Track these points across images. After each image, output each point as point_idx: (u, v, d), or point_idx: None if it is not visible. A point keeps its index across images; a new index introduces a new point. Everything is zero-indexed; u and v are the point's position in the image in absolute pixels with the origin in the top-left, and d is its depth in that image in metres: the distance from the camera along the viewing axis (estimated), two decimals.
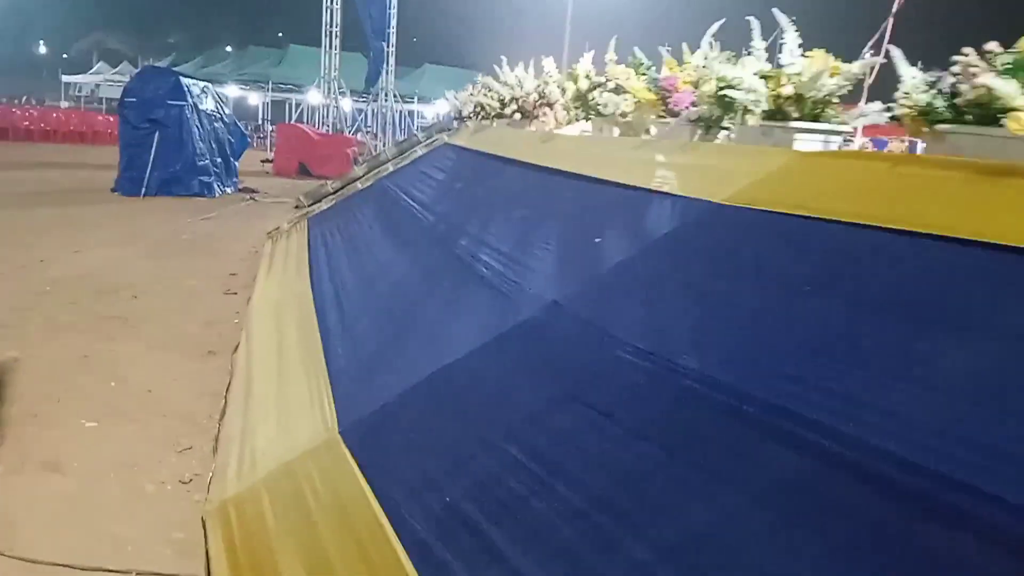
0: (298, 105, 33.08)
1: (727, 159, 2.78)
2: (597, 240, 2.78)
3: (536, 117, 5.92)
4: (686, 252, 2.34)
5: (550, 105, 5.67)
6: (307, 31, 31.40)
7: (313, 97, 26.20)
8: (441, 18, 43.47)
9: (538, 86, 5.95)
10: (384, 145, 26.05)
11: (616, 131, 4.62)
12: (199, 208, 10.49)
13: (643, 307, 2.20)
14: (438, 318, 3.01)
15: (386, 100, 24.31)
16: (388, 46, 21.77)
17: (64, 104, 34.76)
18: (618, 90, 4.52)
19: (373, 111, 27.86)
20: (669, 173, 2.90)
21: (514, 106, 6.43)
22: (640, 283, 2.32)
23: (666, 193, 2.73)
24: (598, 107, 4.69)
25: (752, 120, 2.98)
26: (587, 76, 4.84)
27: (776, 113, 3.00)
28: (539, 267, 2.85)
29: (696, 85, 3.61)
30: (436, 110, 36.91)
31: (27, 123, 22.82)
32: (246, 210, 10.96)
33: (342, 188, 11.15)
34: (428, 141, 8.10)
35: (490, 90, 7.34)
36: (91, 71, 38.89)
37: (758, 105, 2.96)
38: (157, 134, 11.34)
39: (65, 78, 39.82)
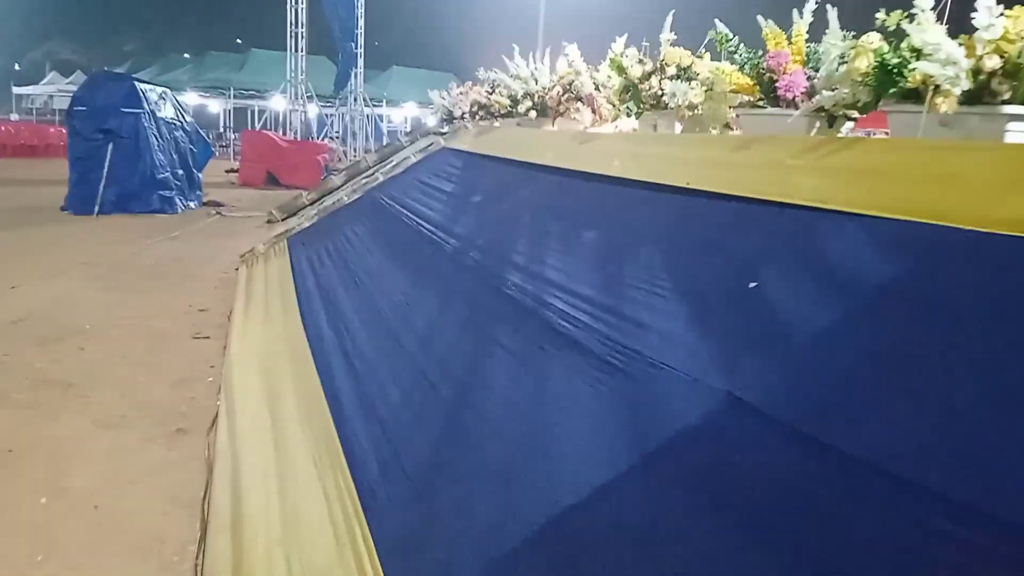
0: (261, 112, 31.87)
1: (947, 161, 1.89)
2: (753, 285, 1.89)
3: (561, 114, 5.03)
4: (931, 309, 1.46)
5: (581, 99, 4.78)
6: (267, 36, 30.24)
7: (277, 103, 25.05)
8: (405, 19, 42.48)
9: (561, 78, 5.06)
10: (354, 151, 25.00)
11: (677, 127, 3.75)
12: (160, 226, 9.43)
13: (901, 413, 1.31)
14: (517, 401, 2.09)
15: (355, 104, 23.25)
16: (357, 47, 20.74)
17: (14, 117, 33.10)
18: (683, 76, 3.68)
19: (340, 116, 26.82)
20: (841, 184, 2.02)
21: (528, 103, 5.54)
22: (877, 365, 1.43)
23: (855, 215, 1.84)
24: (657, 98, 3.81)
25: (947, 104, 2.11)
26: (640, 61, 3.95)
27: (975, 93, 2.14)
28: (663, 325, 1.95)
29: (805, 63, 2.78)
30: (404, 113, 35.98)
31: None
32: (213, 227, 9.92)
33: (319, 199, 10.18)
34: (423, 146, 7.16)
35: (496, 86, 6.43)
36: (43, 82, 37.22)
37: (956, 84, 2.10)
38: (111, 146, 10.25)
39: (16, 90, 38.07)
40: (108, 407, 3.39)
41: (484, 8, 41.22)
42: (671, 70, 3.80)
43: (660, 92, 3.79)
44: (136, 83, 10.87)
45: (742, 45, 3.27)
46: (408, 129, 39.11)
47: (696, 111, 3.53)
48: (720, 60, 3.35)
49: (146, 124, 10.59)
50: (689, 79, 3.64)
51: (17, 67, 50.65)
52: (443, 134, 9.43)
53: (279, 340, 4.02)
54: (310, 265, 5.30)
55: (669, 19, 3.90)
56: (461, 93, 9.12)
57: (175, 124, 11.67)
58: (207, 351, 4.34)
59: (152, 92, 11.20)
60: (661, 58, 3.90)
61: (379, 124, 29.59)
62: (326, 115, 26.28)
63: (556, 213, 3.59)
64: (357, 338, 3.59)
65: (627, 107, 4.13)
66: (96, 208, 9.94)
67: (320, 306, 4.32)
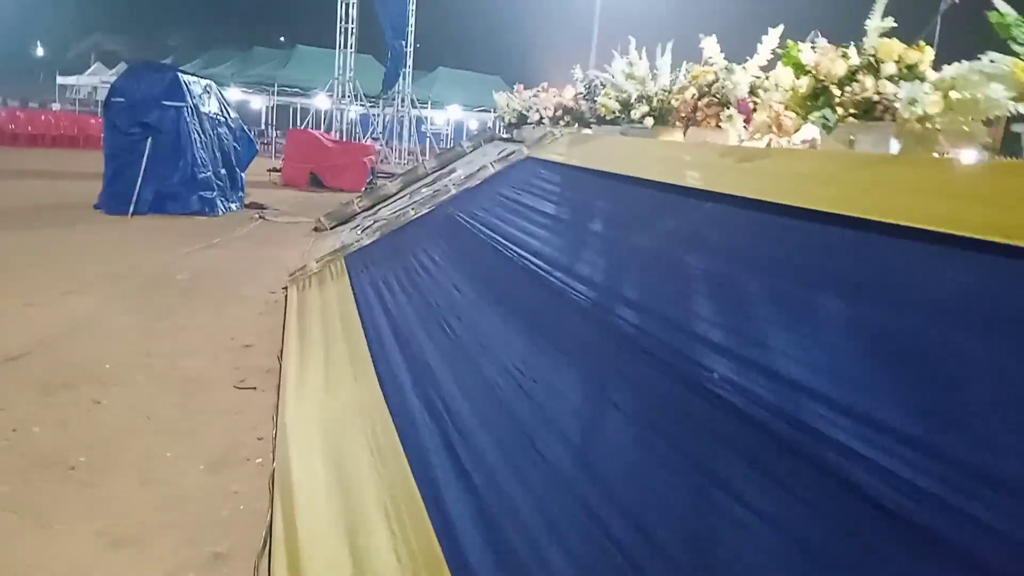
0: (304, 110, 31.26)
1: None
2: None
3: (696, 123, 4.03)
4: None
5: (726, 104, 3.78)
6: (313, 33, 29.60)
7: (321, 101, 24.33)
8: (450, 21, 41.78)
9: (695, 77, 4.06)
10: (399, 154, 24.19)
11: (894, 145, 2.74)
12: (199, 230, 8.59)
13: None
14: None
15: (403, 105, 22.44)
16: (407, 45, 19.91)
17: (56, 107, 32.85)
18: (907, 76, 2.71)
19: (385, 116, 26.05)
20: None
21: (643, 107, 4.55)
22: None
23: None
24: (865, 104, 2.82)
25: None
26: (844, 56, 2.95)
27: None
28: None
29: None
30: (447, 116, 35.15)
31: (12, 126, 20.90)
32: (256, 232, 9.06)
33: (372, 208, 9.29)
34: (499, 154, 6.20)
35: (596, 87, 5.46)
36: (87, 73, 37.01)
37: None
38: (150, 141, 9.44)
39: (60, 80, 37.91)
40: (121, 507, 2.45)
41: (533, 11, 40.41)
42: (888, 67, 2.82)
43: (872, 98, 2.80)
44: (180, 75, 10.06)
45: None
46: (451, 133, 38.42)
47: (930, 124, 2.54)
48: None
49: (188, 119, 9.78)
50: (918, 80, 2.65)
51: (64, 58, 50.87)
52: (512, 140, 8.48)
53: (349, 408, 3.07)
54: (378, 298, 4.36)
55: (880, 3, 2.92)
56: (537, 95, 8.16)
57: (219, 120, 10.86)
58: (253, 410, 3.40)
59: (196, 85, 10.39)
60: (871, 53, 2.92)
61: (421, 126, 28.73)
62: (365, 115, 25.51)
63: (709, 250, 2.63)
64: (459, 417, 2.63)
65: (822, 116, 3.11)
66: (131, 208, 9.12)
67: (401, 362, 3.36)
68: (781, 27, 3.75)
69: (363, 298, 4.52)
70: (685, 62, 4.60)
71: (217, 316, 5.11)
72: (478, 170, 5.94)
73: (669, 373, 2.07)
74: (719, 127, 3.83)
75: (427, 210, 5.77)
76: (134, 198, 9.19)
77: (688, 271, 2.61)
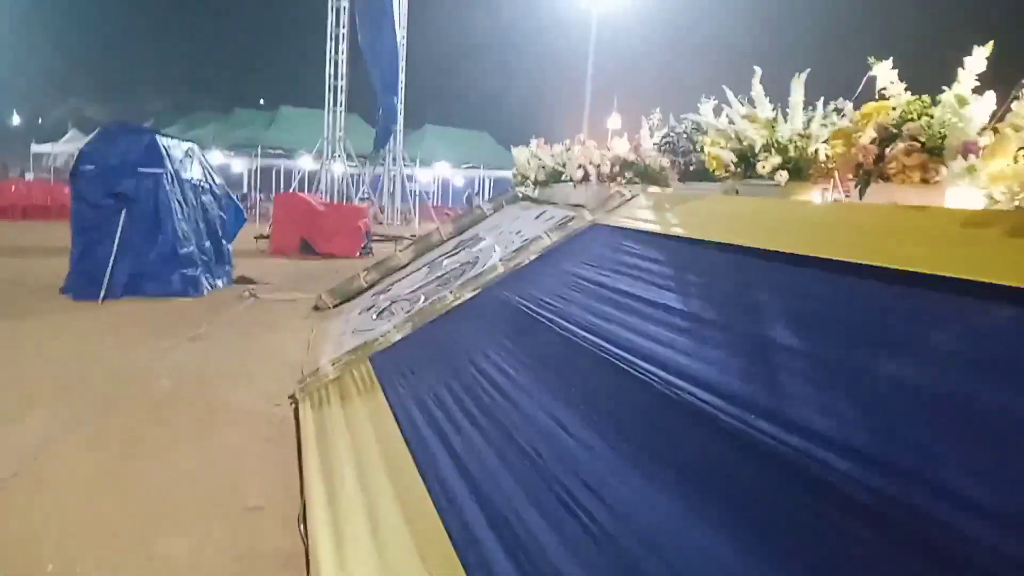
0: (288, 171, 30.30)
1: None
2: None
3: (884, 178, 2.90)
4: None
5: (933, 152, 2.66)
6: (296, 94, 28.81)
7: (305, 162, 23.33)
8: (436, 77, 41.34)
9: (864, 117, 2.96)
10: (391, 216, 23.12)
11: None
12: (182, 316, 7.36)
13: None
14: None
15: (394, 164, 21.46)
16: (399, 101, 18.99)
17: (30, 176, 31.65)
18: None
19: (371, 176, 25.10)
20: None
21: (775, 159, 3.43)
22: None
23: None
24: None
25: None
26: None
27: None
28: None
29: None
30: (434, 173, 34.30)
31: None
32: (247, 315, 7.83)
33: (382, 282, 8.10)
34: (553, 222, 5.05)
35: (697, 133, 4.37)
36: (63, 139, 35.88)
37: None
38: (124, 213, 8.26)
39: (35, 147, 36.72)
40: None
41: (520, 66, 40.06)
42: None
43: None
44: (158, 137, 8.91)
45: None
46: (438, 190, 37.53)
47: None
48: None
49: (168, 187, 8.60)
50: None
51: (40, 124, 49.85)
52: (540, 201, 7.37)
53: None
54: (434, 428, 3.13)
55: None
56: (569, 148, 7.09)
57: (203, 187, 9.70)
58: None
59: (176, 148, 9.25)
60: None
61: (406, 185, 27.75)
62: (354, 175, 24.56)
63: (927, 359, 1.54)
64: None
65: None
66: (102, 292, 7.87)
67: (492, 540, 2.15)
68: (990, 44, 2.69)
69: (410, 426, 3.29)
70: (822, 99, 3.51)
71: (206, 446, 3.86)
72: (530, 241, 4.78)
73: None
74: (924, 181, 2.71)
75: (470, 294, 4.58)
76: (105, 280, 7.94)
77: (895, 391, 1.52)
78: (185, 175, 9.16)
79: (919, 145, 2.68)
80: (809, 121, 3.44)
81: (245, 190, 32.43)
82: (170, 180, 8.67)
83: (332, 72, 17.43)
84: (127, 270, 8.19)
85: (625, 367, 2.80)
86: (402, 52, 19.42)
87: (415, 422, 3.33)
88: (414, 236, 18.27)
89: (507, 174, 32.45)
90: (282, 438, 3.96)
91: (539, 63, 33.34)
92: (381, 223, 21.32)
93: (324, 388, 4.32)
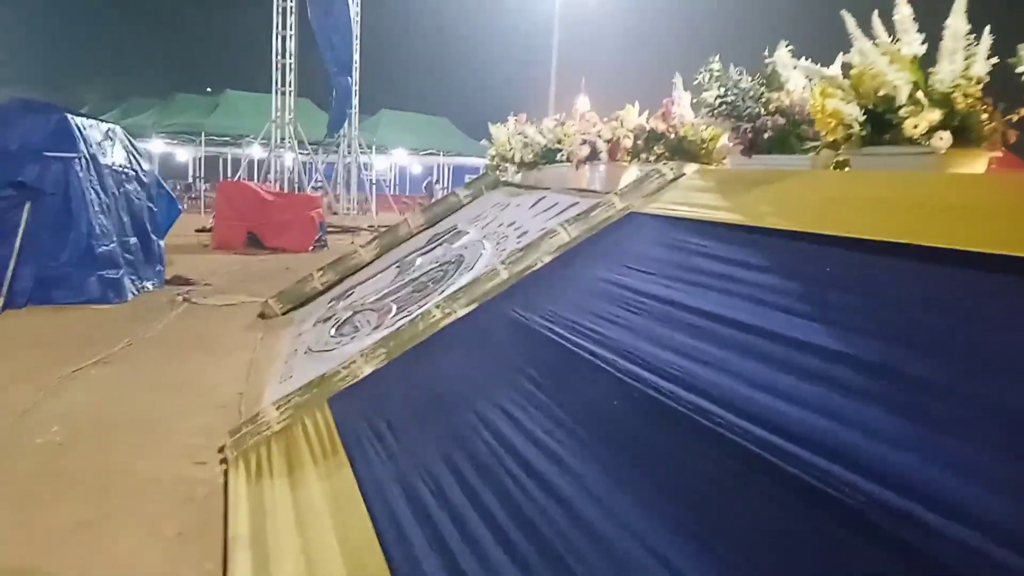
0: (235, 160, 28.63)
1: None
2: None
3: None
4: None
5: None
6: (241, 78, 27.03)
7: (256, 150, 21.76)
8: (391, 60, 39.74)
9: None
10: (345, 205, 21.71)
11: None
12: (97, 329, 6.05)
13: None
14: None
15: (349, 150, 20.04)
16: (353, 82, 17.59)
17: None
18: None
19: (324, 164, 23.66)
20: None
21: (932, 114, 2.34)
22: None
23: None
24: None
25: None
26: None
27: None
28: None
29: None
30: (392, 160, 32.79)
31: None
32: (179, 327, 6.53)
33: (339, 284, 6.88)
34: (575, 210, 3.90)
35: (761, 99, 3.24)
36: None
37: None
38: (28, 207, 6.89)
39: None
40: None
41: (480, 47, 38.75)
42: None
43: None
44: (70, 117, 7.50)
45: None
46: (395, 179, 36.05)
47: None
48: None
49: (82, 174, 7.23)
50: None
51: None
52: (525, 187, 6.21)
53: None
54: (428, 534, 1.99)
55: None
56: (562, 123, 5.93)
57: (127, 174, 8.32)
58: None
59: (94, 130, 7.86)
60: None
61: (362, 172, 26.34)
62: (307, 163, 23.07)
63: None
64: None
65: None
66: (0, 303, 6.52)
67: None
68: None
69: (392, 530, 2.12)
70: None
71: (97, 546, 2.64)
72: (539, 237, 3.61)
73: None
74: None
75: (464, 309, 3.40)
76: (4, 288, 6.58)
77: None
78: (104, 160, 7.78)
79: None
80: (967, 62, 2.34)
81: (190, 179, 30.62)
82: (84, 166, 7.29)
83: (280, 48, 15.91)
84: (32, 275, 6.82)
85: (738, 439, 1.69)
86: (356, 30, 18.02)
87: (400, 522, 2.16)
88: (372, 227, 17.07)
89: (468, 160, 31.10)
90: (201, 531, 2.75)
91: (502, 43, 32.01)
92: (336, 213, 19.94)
93: (266, 445, 3.12)
